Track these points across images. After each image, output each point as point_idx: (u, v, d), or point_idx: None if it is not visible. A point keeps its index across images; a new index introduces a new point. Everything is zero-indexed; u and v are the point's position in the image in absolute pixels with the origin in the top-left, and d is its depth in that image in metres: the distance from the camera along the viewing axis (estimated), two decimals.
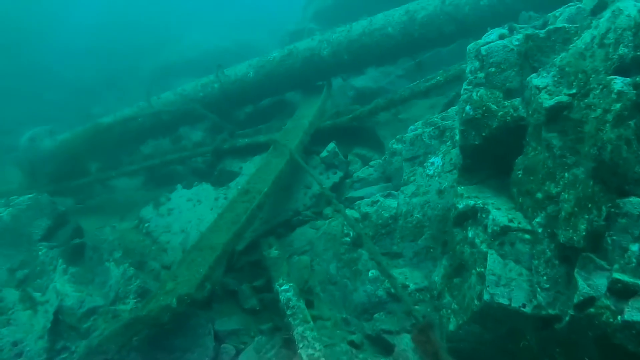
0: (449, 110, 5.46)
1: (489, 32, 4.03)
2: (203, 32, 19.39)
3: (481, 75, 3.94)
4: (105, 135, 9.02)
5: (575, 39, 3.50)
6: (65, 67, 19.20)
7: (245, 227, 5.04)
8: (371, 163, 6.15)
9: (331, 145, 6.39)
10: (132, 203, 8.26)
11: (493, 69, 3.90)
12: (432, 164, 4.97)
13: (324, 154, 6.36)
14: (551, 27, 3.64)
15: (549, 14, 4.27)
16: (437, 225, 4.64)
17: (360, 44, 7.09)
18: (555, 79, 3.37)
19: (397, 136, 5.96)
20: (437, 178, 4.84)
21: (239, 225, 4.96)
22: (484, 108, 3.82)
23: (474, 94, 3.91)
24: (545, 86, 3.39)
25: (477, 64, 4.00)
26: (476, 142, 3.90)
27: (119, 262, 5.45)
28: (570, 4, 4.07)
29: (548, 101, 3.27)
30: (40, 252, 5.59)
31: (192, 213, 6.73)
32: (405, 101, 6.28)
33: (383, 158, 6.04)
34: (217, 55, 17.83)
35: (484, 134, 3.85)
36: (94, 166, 8.93)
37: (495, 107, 3.80)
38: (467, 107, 3.90)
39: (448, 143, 4.99)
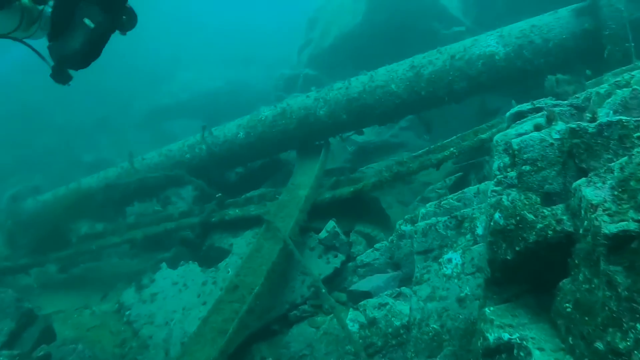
0: (465, 190, 4.72)
1: (521, 121, 3.34)
2: (195, 71, 18.85)
3: (513, 174, 3.21)
4: (87, 200, 8.43)
5: (637, 136, 2.79)
6: (55, 109, 18.62)
7: (233, 340, 4.30)
8: (377, 246, 5.42)
9: (330, 225, 5.65)
10: (117, 275, 7.66)
11: (528, 167, 3.17)
12: (450, 261, 4.22)
13: (322, 234, 5.63)
14: (604, 119, 2.91)
15: (591, 90, 3.58)
16: (460, 342, 3.88)
17: (360, 103, 6.41)
18: (615, 193, 2.63)
19: (406, 216, 5.25)
20: (456, 280, 4.08)
21: (226, 339, 4.23)
22: (518, 218, 3.08)
23: (504, 198, 3.17)
24: (602, 202, 2.64)
25: (507, 159, 3.28)
26: (508, 257, 3.15)
27: None
28: (619, 79, 3.38)
29: (609, 226, 2.52)
30: None
31: (178, 300, 6.02)
32: (413, 174, 5.55)
33: (390, 240, 5.31)
34: (210, 96, 17.32)
35: (517, 249, 3.10)
36: (81, 225, 8.40)
37: (533, 217, 3.05)
38: (497, 215, 3.16)
39: (468, 236, 4.25)
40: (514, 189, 3.19)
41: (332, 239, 5.59)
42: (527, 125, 3.27)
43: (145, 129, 16.84)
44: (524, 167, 3.18)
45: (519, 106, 3.95)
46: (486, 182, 4.59)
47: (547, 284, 3.12)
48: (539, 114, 3.66)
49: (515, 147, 3.20)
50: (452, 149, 5.22)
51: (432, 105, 6.30)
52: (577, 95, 3.67)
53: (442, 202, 4.79)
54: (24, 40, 3.91)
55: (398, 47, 9.12)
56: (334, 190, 6.25)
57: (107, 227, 7.94)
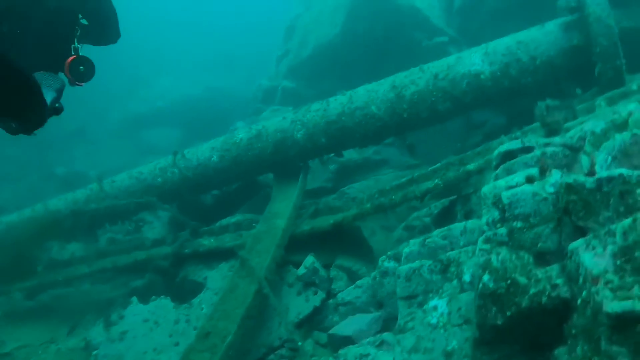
0: (452, 227, 4.43)
1: (513, 175, 3.03)
2: (174, 77, 18.38)
3: (503, 230, 2.92)
4: (54, 225, 8.05)
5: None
6: None
7: None
8: (358, 282, 5.13)
9: (309, 260, 5.35)
10: (86, 304, 7.27)
11: (519, 224, 2.88)
12: (435, 308, 3.91)
13: (301, 270, 5.33)
14: (604, 174, 2.62)
15: (586, 128, 3.30)
16: None
17: (339, 126, 6.11)
18: (618, 263, 2.35)
19: (389, 252, 4.95)
20: (442, 331, 3.78)
21: None
22: (509, 281, 2.80)
23: (493, 257, 2.88)
24: (603, 273, 2.36)
25: (496, 214, 2.99)
26: (498, 322, 2.86)
27: None
28: (615, 116, 3.12)
29: (612, 304, 2.24)
30: None
31: (148, 340, 5.68)
32: (397, 206, 5.25)
33: (373, 277, 5.01)
34: (189, 104, 16.90)
35: (509, 314, 2.82)
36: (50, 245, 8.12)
37: (525, 281, 2.77)
38: (486, 277, 2.87)
39: (454, 282, 3.95)
40: (504, 247, 2.90)
41: (312, 275, 5.29)
42: (518, 176, 2.98)
43: (122, 139, 16.39)
44: (515, 224, 2.89)
45: (508, 144, 3.67)
46: (473, 220, 4.31)
47: (542, 345, 2.86)
48: (530, 155, 3.38)
49: (506, 201, 2.91)
50: (437, 180, 4.92)
51: (416, 127, 6.01)
52: (570, 136, 3.39)
53: (427, 240, 4.50)
54: None
55: (379, 58, 8.84)
56: (313, 218, 5.95)
57: (76, 255, 7.60)
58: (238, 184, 7.42)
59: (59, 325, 7.10)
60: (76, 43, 4.04)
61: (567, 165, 3.31)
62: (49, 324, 7.18)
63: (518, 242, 2.88)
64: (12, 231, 8.38)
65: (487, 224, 3.00)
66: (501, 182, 3.02)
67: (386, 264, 4.96)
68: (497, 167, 3.72)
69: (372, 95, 6.00)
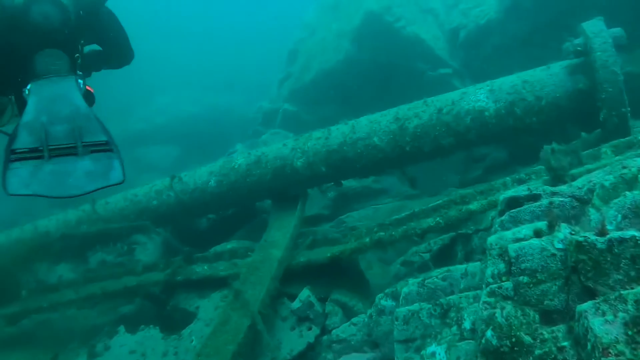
0: (452, 269, 4.34)
1: (520, 226, 2.94)
2: (174, 95, 18.32)
3: (508, 285, 2.83)
4: (44, 247, 7.90)
5: None
6: None
7: None
8: (354, 320, 5.00)
9: (305, 294, 5.24)
10: (71, 332, 7.02)
11: (526, 279, 2.78)
12: (433, 355, 3.78)
13: (296, 304, 5.21)
14: (615, 235, 2.54)
15: (595, 179, 3.23)
16: None
17: (340, 156, 6.04)
18: (630, 333, 2.26)
19: (386, 290, 4.84)
20: None
21: None
22: (514, 339, 2.69)
23: (498, 313, 2.78)
24: (613, 343, 2.26)
25: (502, 266, 2.90)
26: None
27: None
28: (624, 171, 3.05)
29: None
30: None
31: None
32: (396, 242, 5.16)
33: (369, 315, 4.89)
34: (187, 121, 16.83)
35: None
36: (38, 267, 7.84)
37: (530, 340, 2.67)
38: (489, 333, 2.77)
39: (454, 329, 3.83)
40: (509, 302, 2.80)
41: (306, 310, 5.17)
42: (526, 229, 2.90)
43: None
44: (521, 278, 2.79)
45: (514, 190, 3.59)
46: (475, 264, 4.21)
47: None
48: (537, 204, 3.30)
49: (512, 254, 2.82)
50: (438, 218, 4.83)
51: (418, 161, 5.94)
52: (579, 186, 3.31)
53: (427, 281, 4.40)
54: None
55: (382, 86, 8.81)
56: (310, 249, 5.84)
57: (64, 278, 7.43)
58: (235, 209, 7.31)
59: (42, 354, 6.87)
60: (78, 71, 3.92)
61: (575, 217, 3.23)
62: (30, 352, 6.94)
63: (524, 298, 2.79)
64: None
65: (492, 276, 2.90)
66: (508, 234, 2.93)
67: (383, 302, 4.85)
68: (502, 212, 3.63)
69: (374, 126, 5.93)
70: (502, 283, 2.85)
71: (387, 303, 4.80)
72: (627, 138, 4.44)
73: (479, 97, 5.54)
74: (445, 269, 4.53)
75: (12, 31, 3.66)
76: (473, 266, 4.23)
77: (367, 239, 5.27)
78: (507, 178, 4.82)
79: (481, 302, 2.90)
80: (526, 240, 2.83)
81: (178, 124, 16.48)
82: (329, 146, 6.11)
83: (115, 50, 4.67)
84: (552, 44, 7.17)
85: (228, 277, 5.80)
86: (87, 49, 4.24)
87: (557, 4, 7.06)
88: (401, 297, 4.46)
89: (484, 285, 3.00)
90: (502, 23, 7.63)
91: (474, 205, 4.68)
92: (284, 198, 6.63)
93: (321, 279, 5.69)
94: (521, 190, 3.52)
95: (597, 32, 4.98)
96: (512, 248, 2.82)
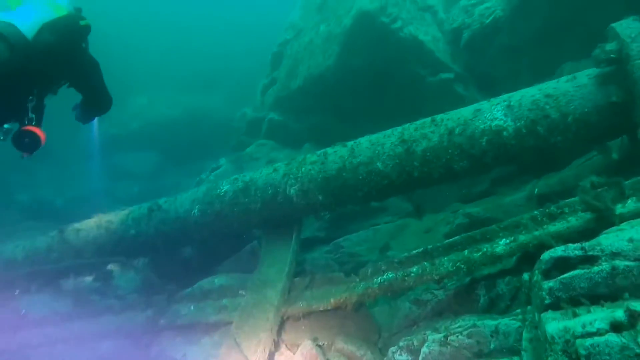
0: (479, 324, 3.80)
1: (590, 316, 2.40)
2: (150, 96, 17.53)
3: None
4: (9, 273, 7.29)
5: None
6: None
7: None
8: None
9: (307, 345, 4.67)
10: None
11: None
12: None
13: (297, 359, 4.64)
14: None
15: None
16: None
17: (339, 183, 5.47)
18: None
19: (400, 342, 4.29)
20: None
21: None
22: None
23: None
24: None
25: None
26: None
27: None
28: None
29: None
30: None
31: None
32: (411, 289, 4.62)
33: None
34: (166, 126, 16.11)
35: None
36: None
37: None
38: None
39: None
40: None
41: None
42: (600, 321, 2.34)
43: (92, 164, 15.49)
44: None
45: (563, 248, 3.04)
46: (507, 321, 3.68)
47: None
48: (596, 270, 2.76)
49: (583, 352, 2.29)
50: (459, 263, 4.28)
51: (426, 186, 5.39)
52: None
53: (450, 338, 3.87)
54: None
55: (377, 93, 8.25)
56: (309, 290, 5.29)
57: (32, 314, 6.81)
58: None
59: None
60: (30, 113, 4.21)
61: None
62: None
63: None
64: None
65: None
66: (576, 326, 2.39)
67: (397, 356, 4.31)
68: (546, 273, 3.09)
69: (377, 149, 5.36)
70: None
71: (402, 358, 4.27)
72: None
73: (495, 114, 4.98)
74: (471, 322, 4.01)
75: None
76: (506, 324, 3.70)
77: (376, 284, 4.71)
78: (536, 212, 4.27)
79: None
80: (601, 336, 2.29)
81: (156, 129, 15.77)
82: (325, 172, 5.53)
83: (91, 100, 5.17)
84: (567, 44, 6.65)
85: (216, 323, 5.25)
86: None
87: None
88: (420, 358, 3.93)
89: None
90: (510, 21, 7.06)
91: (500, 248, 4.14)
92: (276, 227, 6.05)
93: (323, 317, 5.15)
94: (573, 250, 2.97)
95: (635, 35, 4.43)
96: (583, 344, 2.29)
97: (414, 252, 4.84)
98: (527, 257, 4.10)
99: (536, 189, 6.02)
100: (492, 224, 4.53)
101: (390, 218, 7.71)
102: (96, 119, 6.25)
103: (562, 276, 2.89)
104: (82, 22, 4.91)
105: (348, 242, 7.14)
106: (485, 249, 4.24)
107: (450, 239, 4.69)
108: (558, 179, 5.92)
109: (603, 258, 2.85)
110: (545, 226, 4.08)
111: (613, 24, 4.72)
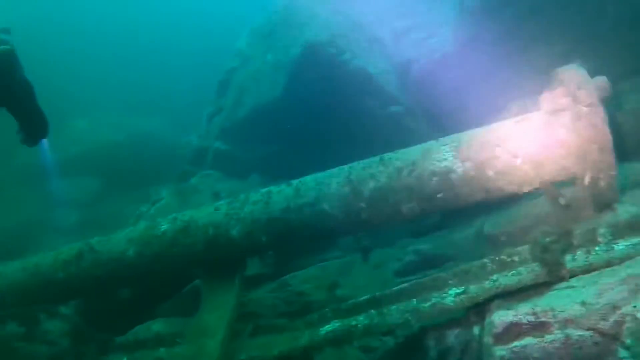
0: None
1: None
2: (90, 118, 16.87)
3: None
4: None
5: None
6: None
7: None
8: None
9: None
10: None
11: None
12: None
13: None
14: None
15: (625, 309, 2.61)
16: None
17: (283, 224, 5.26)
18: None
19: None
20: None
21: None
22: None
23: None
24: None
25: None
26: None
27: None
28: None
29: None
30: None
31: None
32: (356, 339, 4.45)
33: None
34: (107, 151, 15.54)
35: None
36: None
37: None
38: None
39: None
40: None
41: None
42: None
43: (27, 188, 14.78)
44: None
45: (514, 312, 2.91)
46: None
47: None
48: (549, 339, 2.64)
49: None
50: (407, 314, 4.11)
51: (377, 227, 5.25)
52: (600, 311, 2.67)
53: None
54: None
55: (326, 124, 8.13)
56: (252, 338, 5.04)
57: None
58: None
59: None
60: None
61: (598, 357, 2.60)
62: None
63: None
64: None
65: None
66: None
67: None
68: (497, 338, 2.96)
69: (323, 189, 5.18)
70: None
71: None
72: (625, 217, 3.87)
73: (444, 155, 4.89)
74: None
75: None
76: None
77: (322, 333, 4.51)
78: (486, 260, 4.15)
79: None
80: None
81: (97, 154, 15.17)
82: (270, 213, 5.31)
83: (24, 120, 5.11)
84: (515, 78, 6.68)
85: None
86: None
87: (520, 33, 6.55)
88: None
89: None
90: (460, 56, 7.07)
91: (449, 299, 4.01)
92: (218, 268, 5.78)
93: None
94: (524, 314, 2.85)
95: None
96: None
97: (361, 299, 4.68)
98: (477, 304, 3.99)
99: (485, 229, 5.98)
100: (442, 262, 4.44)
101: (339, 253, 7.57)
102: (44, 141, 6.08)
103: (514, 344, 2.76)
104: (1, 48, 4.60)
105: (295, 279, 6.94)
106: (434, 300, 4.10)
107: (399, 287, 4.55)
108: (507, 216, 5.89)
109: (556, 325, 2.73)
110: (495, 276, 3.96)
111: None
